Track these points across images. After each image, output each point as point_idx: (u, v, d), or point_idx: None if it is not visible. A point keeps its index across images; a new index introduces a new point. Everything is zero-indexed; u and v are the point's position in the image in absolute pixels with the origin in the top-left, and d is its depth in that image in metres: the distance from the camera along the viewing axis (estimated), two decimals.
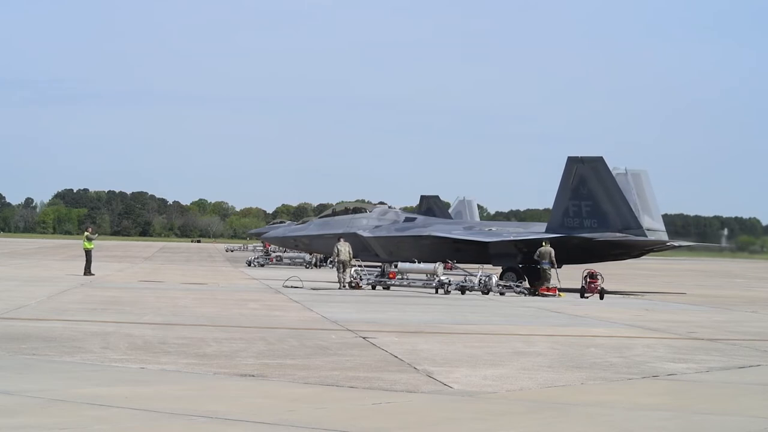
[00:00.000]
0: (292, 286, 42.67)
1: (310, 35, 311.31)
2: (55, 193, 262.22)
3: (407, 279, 44.28)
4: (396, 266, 44.70)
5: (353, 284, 43.45)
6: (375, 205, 54.87)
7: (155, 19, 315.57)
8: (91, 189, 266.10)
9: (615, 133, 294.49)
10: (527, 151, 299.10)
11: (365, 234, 49.94)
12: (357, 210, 51.74)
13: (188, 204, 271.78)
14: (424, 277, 44.41)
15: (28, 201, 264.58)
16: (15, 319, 24.47)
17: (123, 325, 23.94)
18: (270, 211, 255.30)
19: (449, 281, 42.95)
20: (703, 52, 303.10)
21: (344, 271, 43.26)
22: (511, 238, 48.57)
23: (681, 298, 44.86)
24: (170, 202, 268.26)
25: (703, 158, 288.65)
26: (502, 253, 48.57)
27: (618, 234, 47.04)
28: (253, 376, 16.24)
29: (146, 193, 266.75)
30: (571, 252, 46.95)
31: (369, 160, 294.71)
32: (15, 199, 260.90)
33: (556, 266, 43.81)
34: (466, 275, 45.06)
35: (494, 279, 43.23)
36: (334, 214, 52.61)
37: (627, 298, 43.14)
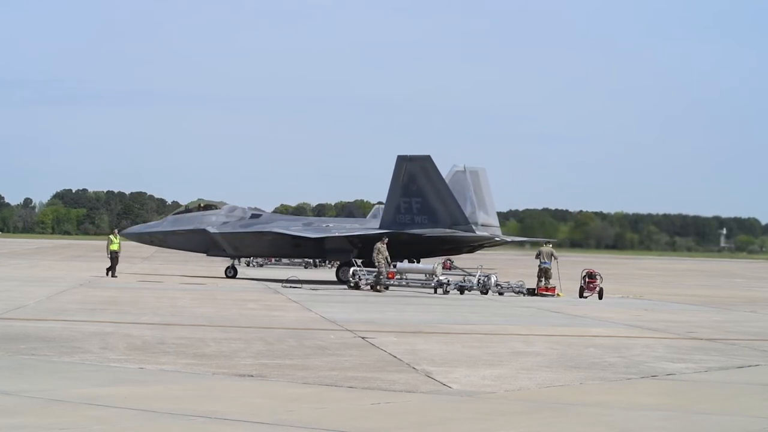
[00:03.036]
0: (291, 286, 42.68)
1: (309, 35, 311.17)
2: (54, 193, 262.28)
3: (406, 279, 44.29)
4: (395, 266, 44.80)
5: (352, 284, 43.45)
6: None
7: (155, 19, 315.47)
8: (90, 189, 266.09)
9: (615, 133, 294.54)
10: (527, 151, 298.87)
11: (212, 230, 51.05)
12: (208, 207, 53.00)
13: (187, 204, 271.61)
14: (422, 277, 44.43)
15: (27, 201, 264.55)
16: (14, 320, 24.47)
17: (122, 325, 23.93)
18: (269, 211, 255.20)
19: (448, 281, 42.96)
20: (703, 52, 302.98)
21: (380, 274, 42.78)
22: (345, 234, 49.86)
23: (679, 298, 44.82)
24: (169, 202, 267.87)
25: (703, 158, 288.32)
26: (337, 248, 49.88)
27: (447, 230, 48.51)
28: (251, 376, 16.24)
29: (145, 193, 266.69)
30: (402, 248, 48.37)
31: (368, 160, 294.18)
32: (14, 199, 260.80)
33: (557, 260, 43.83)
34: (465, 275, 45.05)
35: (493, 279, 43.24)
36: (187, 210, 54.00)
37: (625, 298, 43.10)
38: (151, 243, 53.90)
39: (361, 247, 48.69)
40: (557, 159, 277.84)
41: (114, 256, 47.67)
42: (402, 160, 48.35)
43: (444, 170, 51.11)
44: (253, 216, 52.32)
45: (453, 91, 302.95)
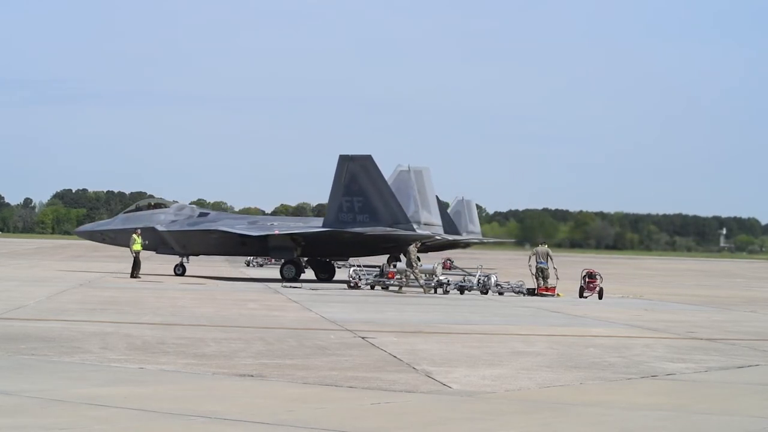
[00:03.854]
0: (291, 286, 42.68)
1: (309, 35, 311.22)
2: (54, 193, 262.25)
3: (406, 279, 44.25)
4: (395, 266, 44.87)
5: (352, 284, 43.46)
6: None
7: (155, 19, 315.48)
8: (90, 189, 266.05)
9: (615, 133, 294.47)
10: (527, 151, 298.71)
11: (161, 228, 51.80)
12: (158, 205, 53.94)
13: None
14: (422, 277, 44.42)
15: (27, 201, 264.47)
16: (14, 320, 24.47)
17: (122, 325, 23.93)
18: (269, 211, 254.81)
19: (448, 281, 42.96)
20: (703, 52, 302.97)
21: (411, 275, 42.66)
22: (289, 232, 50.50)
23: (679, 298, 44.81)
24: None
25: (703, 158, 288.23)
26: (280, 246, 50.48)
27: (388, 228, 49.24)
28: (251, 376, 16.24)
29: (145, 193, 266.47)
30: (344, 246, 49.64)
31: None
32: (14, 199, 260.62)
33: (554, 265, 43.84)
34: (465, 275, 45.05)
35: (493, 279, 43.24)
36: (138, 209, 54.63)
37: (625, 298, 43.09)
38: (103, 241, 54.81)
39: (304, 245, 49.72)
40: (557, 159, 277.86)
41: (136, 257, 47.49)
42: (344, 160, 49.18)
43: (387, 170, 52.51)
44: (201, 215, 53.46)
45: (453, 91, 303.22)
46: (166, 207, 53.35)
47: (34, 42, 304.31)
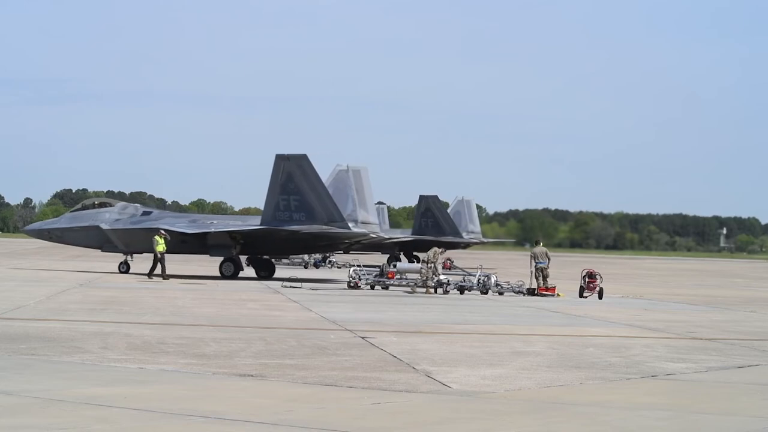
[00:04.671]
0: (290, 286, 42.68)
1: (309, 35, 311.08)
2: (54, 193, 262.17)
3: (406, 279, 44.27)
4: (395, 266, 44.87)
5: (352, 284, 43.47)
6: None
7: (156, 19, 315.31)
8: (90, 189, 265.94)
9: (615, 133, 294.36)
10: (527, 151, 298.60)
11: (105, 227, 52.50)
12: (102, 204, 54.88)
13: (187, 204, 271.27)
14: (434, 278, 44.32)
15: (27, 201, 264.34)
16: (14, 320, 24.47)
17: (122, 325, 23.94)
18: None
19: (448, 281, 42.94)
20: (703, 52, 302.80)
21: (430, 277, 42.49)
22: (227, 230, 51.13)
23: (679, 298, 44.82)
24: (169, 202, 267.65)
25: (703, 158, 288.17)
26: (219, 244, 51.08)
27: (323, 227, 49.89)
28: (252, 376, 16.25)
29: (145, 193, 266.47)
30: (280, 244, 50.69)
31: (369, 160, 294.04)
32: (14, 199, 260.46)
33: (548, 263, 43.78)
34: (465, 275, 45.03)
35: (493, 279, 43.23)
36: (84, 208, 55.26)
37: (625, 298, 43.09)
38: (50, 239, 55.85)
39: (242, 243, 50.58)
40: (557, 159, 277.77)
41: (161, 257, 47.30)
42: (280, 159, 49.97)
43: (325, 170, 53.31)
44: (144, 213, 54.16)
45: (453, 91, 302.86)
46: (111, 206, 54.43)
47: (34, 42, 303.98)
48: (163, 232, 48.43)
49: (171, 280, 46.24)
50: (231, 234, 50.54)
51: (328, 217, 49.78)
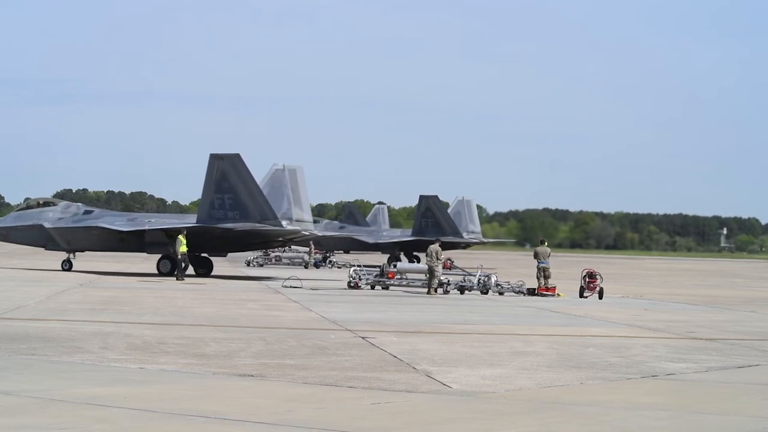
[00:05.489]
0: (291, 286, 42.68)
1: (309, 35, 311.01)
2: (54, 193, 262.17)
3: (406, 279, 44.29)
4: (395, 266, 44.89)
5: (352, 284, 43.47)
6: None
7: (156, 19, 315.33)
8: (90, 189, 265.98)
9: (615, 133, 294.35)
10: (527, 151, 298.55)
11: (48, 225, 53.56)
12: (46, 204, 56.05)
13: (187, 204, 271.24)
14: (423, 277, 44.40)
15: (28, 201, 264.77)
16: (14, 320, 24.48)
17: (122, 325, 23.95)
18: None
19: (448, 281, 42.95)
20: (703, 52, 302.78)
21: (432, 277, 42.23)
22: (163, 227, 52.32)
23: (679, 298, 44.82)
24: (169, 202, 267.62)
25: (703, 158, 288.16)
26: (156, 241, 52.16)
27: (257, 224, 50.93)
28: (252, 376, 16.25)
29: (145, 193, 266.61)
30: (215, 241, 51.79)
31: (369, 160, 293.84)
32: (14, 199, 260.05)
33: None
34: (465, 275, 45.05)
35: (493, 279, 43.23)
36: (28, 207, 56.31)
37: (625, 298, 43.10)
38: None
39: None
40: (557, 159, 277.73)
41: (183, 258, 47.37)
42: (214, 158, 51.15)
43: (260, 169, 54.41)
44: (86, 212, 55.40)
45: (453, 91, 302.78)
46: (54, 205, 55.55)
47: (34, 42, 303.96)
48: (185, 232, 48.73)
49: (170, 280, 46.22)
50: (167, 232, 51.58)
51: (261, 215, 50.97)
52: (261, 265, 71.03)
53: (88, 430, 11.71)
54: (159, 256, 52.22)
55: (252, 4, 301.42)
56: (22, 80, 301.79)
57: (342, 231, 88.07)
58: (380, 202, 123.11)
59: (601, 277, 42.15)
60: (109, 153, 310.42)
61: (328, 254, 78.77)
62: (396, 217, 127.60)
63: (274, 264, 73.62)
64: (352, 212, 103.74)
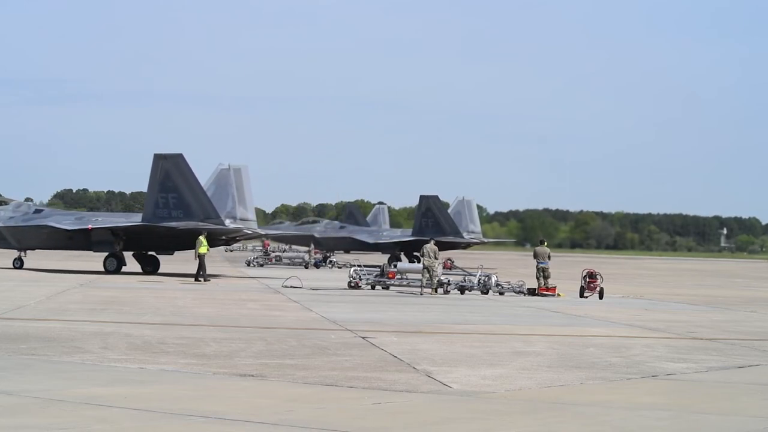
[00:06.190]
0: (291, 286, 42.68)
1: (309, 35, 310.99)
2: (54, 193, 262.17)
3: (406, 279, 44.28)
4: (396, 266, 44.91)
5: (352, 284, 43.47)
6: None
7: (156, 19, 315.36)
8: (90, 189, 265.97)
9: (615, 133, 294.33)
10: (527, 151, 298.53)
11: (0, 224, 54.71)
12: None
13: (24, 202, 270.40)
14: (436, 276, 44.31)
15: (28, 201, 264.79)
16: (14, 320, 24.48)
17: (122, 325, 23.95)
18: (269, 210, 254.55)
19: (448, 281, 42.94)
20: (703, 52, 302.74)
21: (429, 275, 41.96)
22: (109, 226, 53.34)
23: (679, 298, 44.81)
24: None
25: (703, 158, 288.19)
26: (102, 240, 53.13)
27: (199, 223, 51.70)
28: (252, 376, 16.25)
29: (145, 193, 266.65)
30: (159, 240, 52.98)
31: (369, 160, 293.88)
32: (14, 198, 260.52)
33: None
34: (466, 275, 45.05)
35: (494, 279, 43.23)
36: None
37: (626, 298, 43.10)
38: None
39: (125, 239, 52.75)
40: (557, 159, 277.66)
41: (201, 260, 47.21)
42: (158, 158, 52.16)
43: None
44: (36, 211, 56.60)
45: (454, 91, 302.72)
46: (5, 204, 56.53)
47: (34, 42, 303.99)
48: (205, 233, 48.94)
49: (170, 280, 46.20)
50: (112, 230, 52.54)
51: (204, 214, 51.90)
52: (261, 266, 71.07)
53: (88, 430, 11.71)
54: (106, 254, 52.92)
55: (252, 4, 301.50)
56: (22, 80, 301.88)
57: (342, 231, 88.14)
58: (380, 202, 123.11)
59: (602, 277, 42.14)
60: (109, 153, 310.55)
61: (328, 254, 78.76)
62: (396, 217, 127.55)
63: (274, 264, 73.65)
64: (353, 212, 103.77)
